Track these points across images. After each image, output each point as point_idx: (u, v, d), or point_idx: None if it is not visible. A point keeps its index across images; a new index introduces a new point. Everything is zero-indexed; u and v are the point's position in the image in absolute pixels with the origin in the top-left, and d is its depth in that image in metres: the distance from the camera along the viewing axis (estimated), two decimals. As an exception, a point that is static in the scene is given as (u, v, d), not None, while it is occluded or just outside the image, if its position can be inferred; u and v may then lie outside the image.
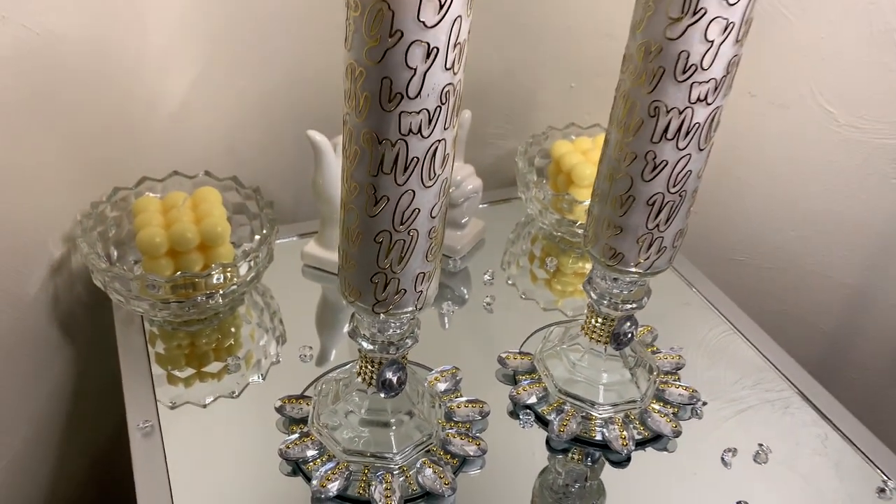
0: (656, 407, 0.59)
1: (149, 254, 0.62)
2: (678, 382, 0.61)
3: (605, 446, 0.56)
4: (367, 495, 0.51)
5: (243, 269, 0.63)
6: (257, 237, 0.67)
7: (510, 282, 0.75)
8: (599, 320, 0.57)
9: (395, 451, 0.53)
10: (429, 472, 0.53)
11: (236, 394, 0.61)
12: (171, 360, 0.63)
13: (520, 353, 0.63)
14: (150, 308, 0.61)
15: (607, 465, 0.56)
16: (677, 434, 0.58)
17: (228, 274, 0.61)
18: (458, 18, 0.37)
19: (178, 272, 0.62)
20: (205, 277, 0.60)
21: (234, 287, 0.63)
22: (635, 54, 0.45)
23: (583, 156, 0.75)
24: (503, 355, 0.62)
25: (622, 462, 0.56)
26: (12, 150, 0.61)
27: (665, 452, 0.57)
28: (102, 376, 0.71)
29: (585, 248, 0.54)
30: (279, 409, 0.57)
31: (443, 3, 0.36)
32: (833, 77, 0.72)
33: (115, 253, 0.67)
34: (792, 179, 0.78)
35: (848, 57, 0.71)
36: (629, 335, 0.56)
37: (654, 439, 0.58)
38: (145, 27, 0.65)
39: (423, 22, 0.36)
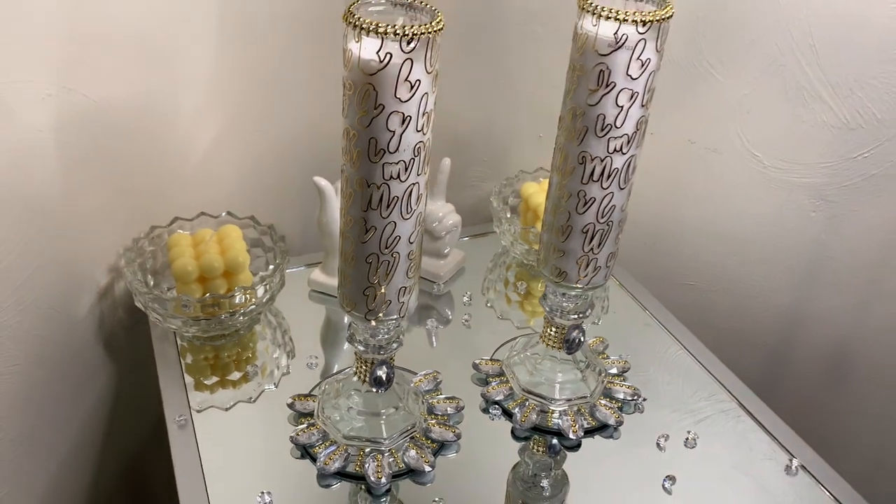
0: (603, 402, 0.71)
1: (182, 280, 0.74)
2: (624, 383, 0.73)
3: (559, 433, 0.68)
4: (361, 472, 0.63)
5: (260, 292, 0.75)
6: (272, 266, 0.80)
7: (489, 304, 0.87)
8: (553, 329, 0.69)
9: (384, 436, 0.65)
10: (412, 453, 0.64)
11: (253, 399, 0.73)
12: (199, 370, 0.75)
13: (491, 359, 0.75)
14: (182, 325, 0.74)
15: (565, 452, 0.68)
16: (619, 424, 0.69)
17: (248, 295, 0.74)
18: (426, 94, 0.51)
19: (207, 294, 0.75)
20: (228, 298, 0.73)
21: (253, 307, 0.75)
22: (566, 116, 0.58)
23: (539, 191, 0.88)
24: (476, 361, 0.75)
25: (574, 447, 0.68)
26: (70, 197, 0.74)
27: (611, 440, 0.69)
28: (139, 386, 0.84)
29: (538, 269, 0.67)
30: (290, 405, 0.69)
31: (413, 84, 0.49)
32: (757, 126, 0.85)
33: (152, 281, 0.79)
34: (729, 213, 0.91)
35: (768, 110, 0.84)
36: (578, 340, 0.68)
37: (601, 428, 0.70)
38: (179, 91, 0.79)
39: (399, 98, 0.50)
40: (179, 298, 0.72)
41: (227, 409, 0.71)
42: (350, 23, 0.48)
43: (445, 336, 0.82)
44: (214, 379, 0.75)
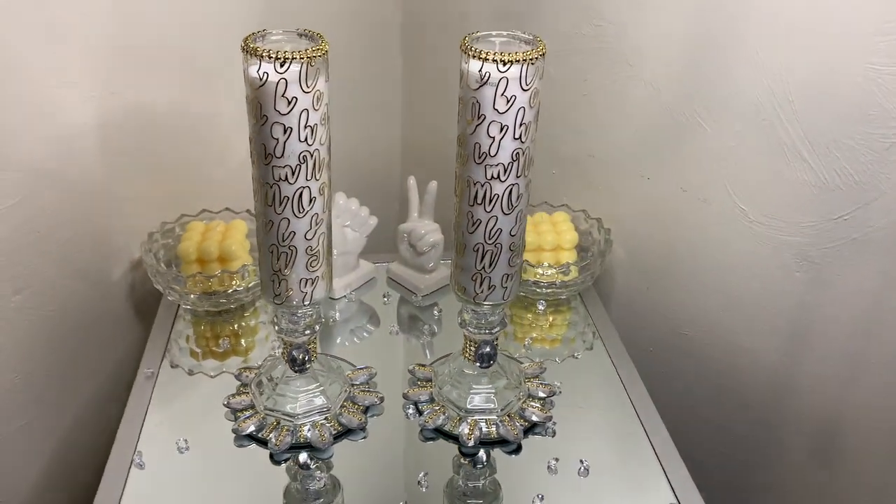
0: (507, 419, 0.75)
1: (184, 259, 0.88)
2: (540, 406, 0.76)
3: (455, 437, 0.73)
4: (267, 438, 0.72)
5: (244, 279, 0.87)
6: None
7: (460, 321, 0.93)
8: (470, 344, 0.74)
9: (298, 412, 0.73)
10: (315, 432, 0.72)
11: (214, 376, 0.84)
12: (184, 337, 0.88)
13: (426, 365, 0.81)
14: (196, 300, 0.87)
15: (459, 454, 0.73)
16: (518, 441, 0.73)
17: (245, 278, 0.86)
18: (305, 111, 0.60)
19: (198, 272, 0.88)
20: (216, 277, 0.85)
21: (241, 288, 0.87)
22: (457, 144, 0.64)
23: (532, 227, 0.93)
24: (411, 367, 0.81)
25: (470, 453, 0.73)
26: (116, 183, 0.90)
27: (507, 454, 0.73)
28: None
29: (452, 286, 0.73)
30: (237, 376, 0.80)
31: (290, 100, 0.59)
32: (742, 179, 0.85)
33: (174, 261, 0.94)
34: (719, 264, 0.90)
35: (752, 163, 0.83)
36: (488, 355, 0.73)
37: (500, 442, 0.74)
38: (219, 101, 0.93)
39: (279, 110, 0.59)
40: (172, 272, 0.86)
41: (190, 375, 0.83)
42: (243, 49, 0.59)
43: (405, 342, 0.89)
44: (198, 350, 0.87)
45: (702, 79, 0.84)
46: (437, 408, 0.76)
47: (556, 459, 0.72)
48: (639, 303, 1.00)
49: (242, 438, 0.73)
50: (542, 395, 0.78)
